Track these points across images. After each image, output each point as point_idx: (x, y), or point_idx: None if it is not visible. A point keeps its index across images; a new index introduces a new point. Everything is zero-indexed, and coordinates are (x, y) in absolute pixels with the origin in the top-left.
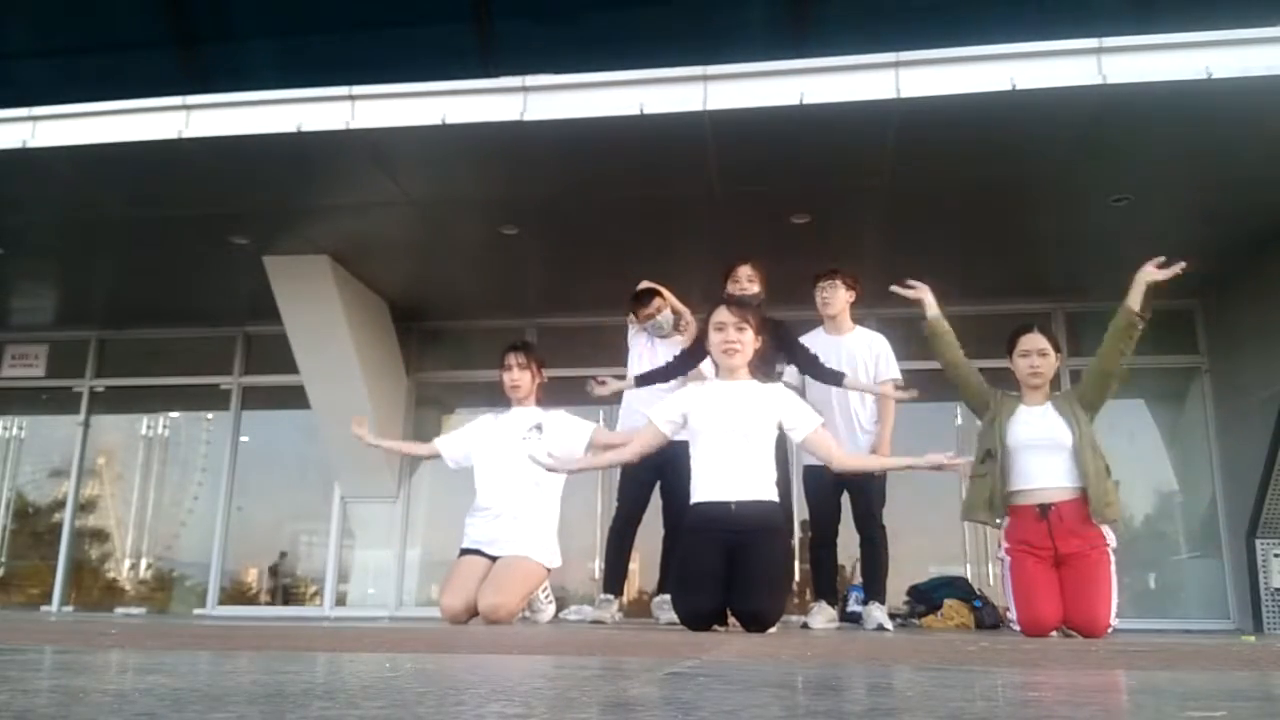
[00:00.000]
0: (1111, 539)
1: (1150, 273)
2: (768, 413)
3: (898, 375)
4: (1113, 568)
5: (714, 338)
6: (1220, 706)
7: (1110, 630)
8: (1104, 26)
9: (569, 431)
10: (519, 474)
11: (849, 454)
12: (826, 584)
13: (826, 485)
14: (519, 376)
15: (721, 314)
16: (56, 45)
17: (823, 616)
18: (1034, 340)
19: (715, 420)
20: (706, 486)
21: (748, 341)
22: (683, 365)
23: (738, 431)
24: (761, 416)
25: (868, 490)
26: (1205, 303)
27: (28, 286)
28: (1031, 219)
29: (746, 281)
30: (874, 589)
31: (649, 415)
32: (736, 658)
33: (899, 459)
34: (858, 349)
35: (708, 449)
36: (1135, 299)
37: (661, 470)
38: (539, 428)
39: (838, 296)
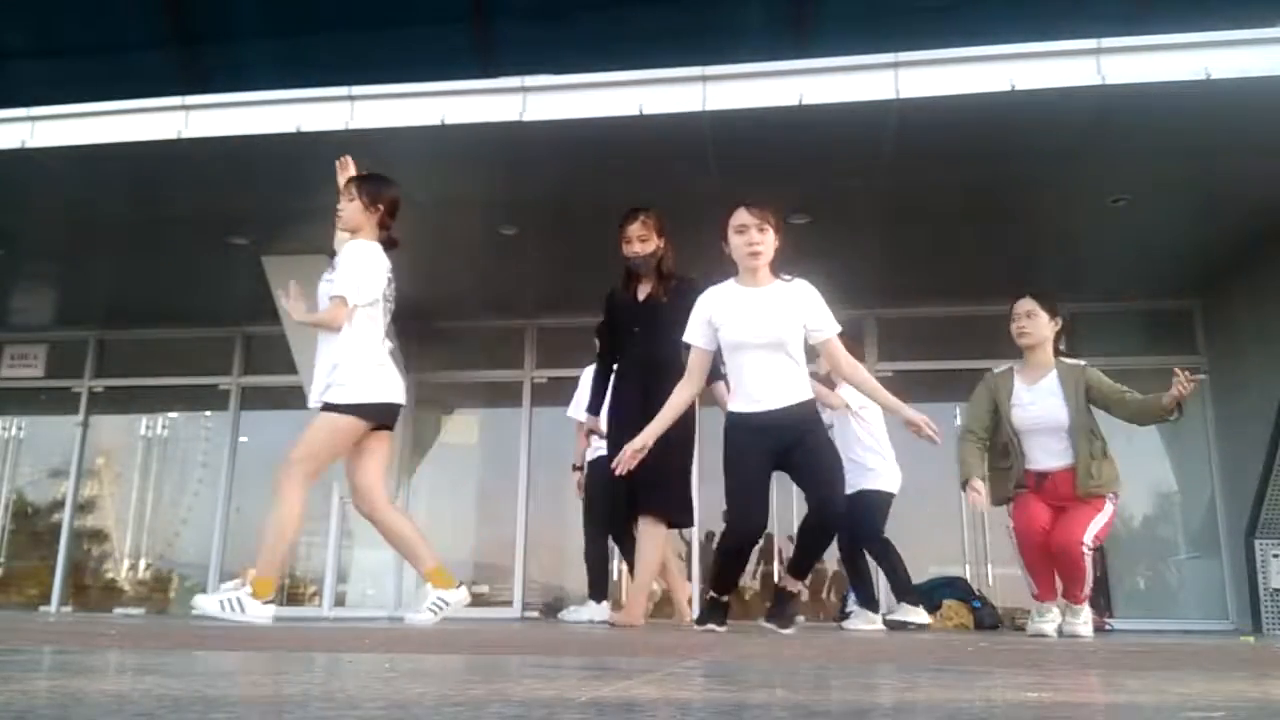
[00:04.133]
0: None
1: (1175, 391)
2: (795, 314)
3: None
4: (1108, 506)
5: (735, 241)
6: (1219, 708)
7: (1085, 551)
8: (1104, 27)
9: (339, 269)
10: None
11: (860, 374)
12: (867, 591)
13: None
14: (343, 206)
15: (741, 215)
16: (56, 45)
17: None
18: (1022, 304)
19: (745, 330)
20: (745, 398)
21: (770, 242)
22: (601, 382)
23: (770, 339)
24: (790, 319)
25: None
26: (1204, 303)
27: (27, 286)
28: (1031, 219)
29: (639, 242)
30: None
31: (689, 341)
32: (736, 658)
33: (897, 402)
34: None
35: (741, 359)
36: (1171, 401)
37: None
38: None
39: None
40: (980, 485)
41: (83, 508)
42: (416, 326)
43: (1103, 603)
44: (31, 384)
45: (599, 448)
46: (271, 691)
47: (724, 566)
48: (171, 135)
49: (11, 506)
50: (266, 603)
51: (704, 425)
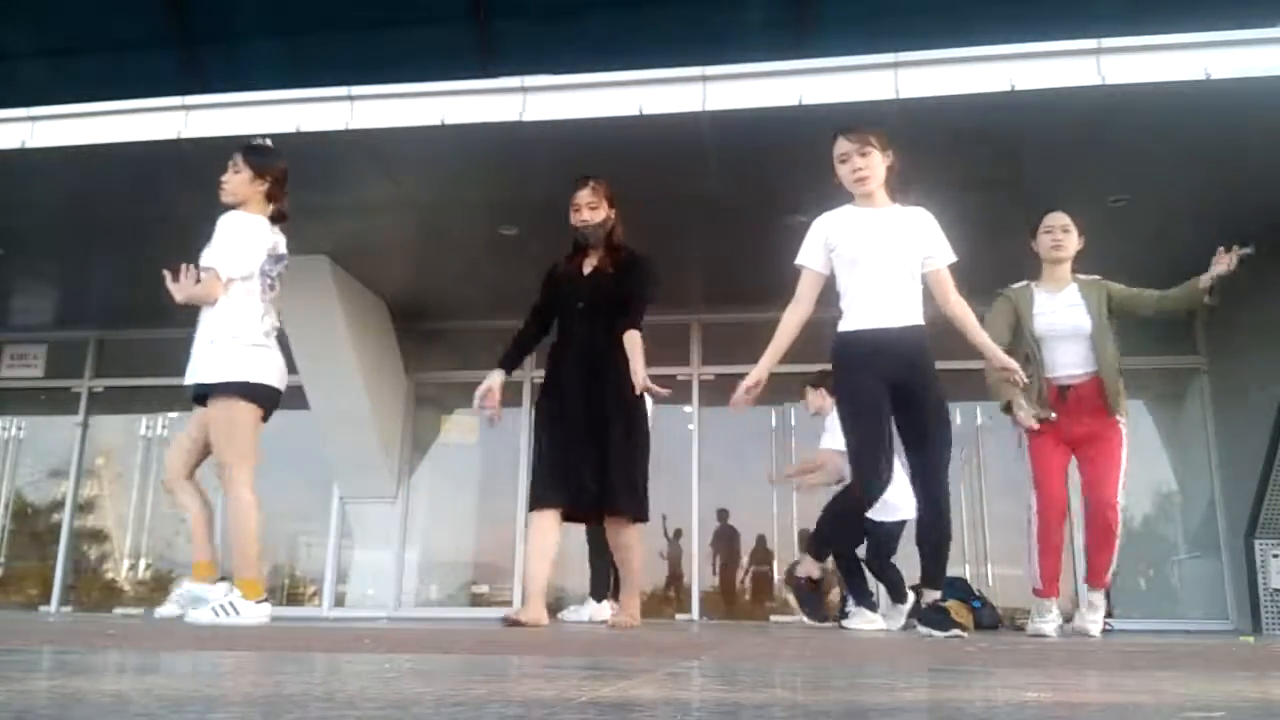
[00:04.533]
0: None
1: (1217, 269)
2: (914, 235)
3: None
4: (1124, 445)
5: (841, 171)
6: (1219, 708)
7: (1119, 506)
8: (1104, 27)
9: (213, 241)
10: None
11: (964, 310)
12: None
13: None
14: (228, 178)
15: (840, 145)
16: (56, 45)
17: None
18: (1057, 217)
19: (863, 245)
20: (861, 314)
21: (876, 163)
22: (523, 344)
23: (888, 254)
24: (909, 239)
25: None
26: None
27: (27, 286)
28: (1031, 219)
29: (588, 210)
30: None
31: (802, 264)
32: (736, 658)
33: (994, 348)
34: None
35: (857, 276)
36: (1207, 282)
37: None
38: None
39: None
40: (1024, 403)
41: (83, 508)
42: (416, 326)
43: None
44: (31, 384)
45: None
46: (271, 691)
47: (838, 533)
48: (171, 135)
49: (11, 506)
50: (259, 602)
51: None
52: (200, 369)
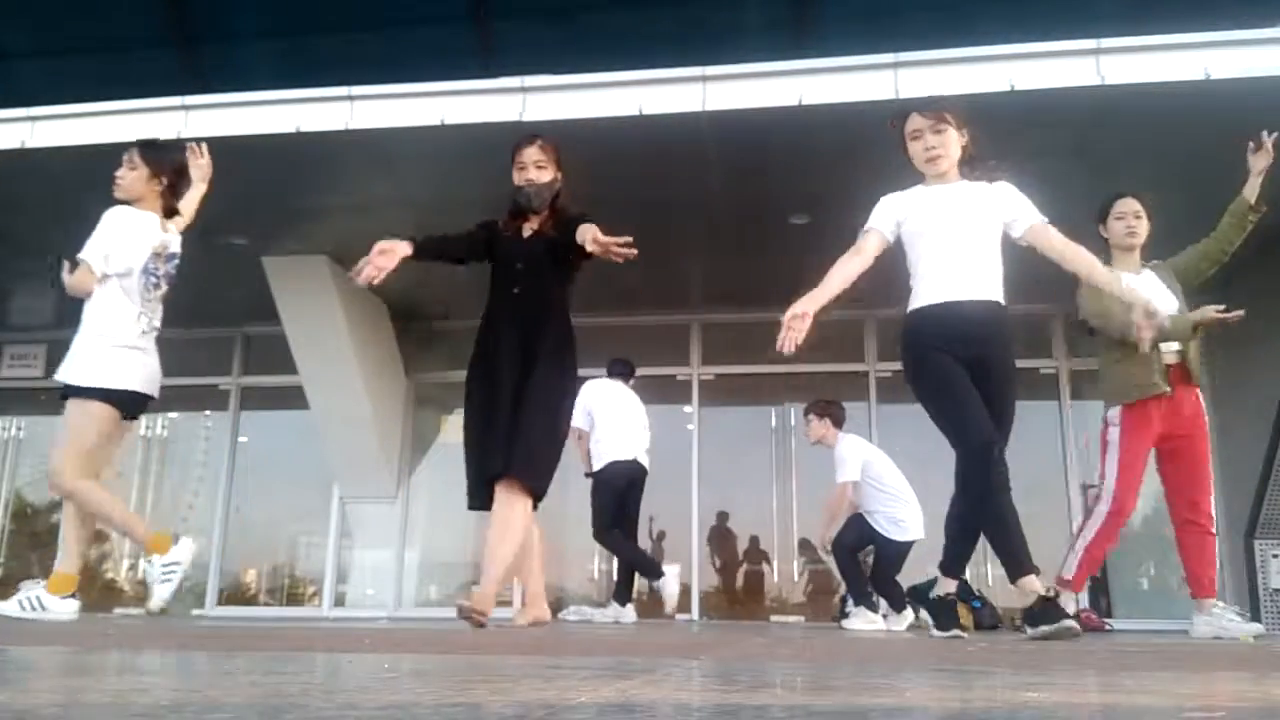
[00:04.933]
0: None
1: (1258, 164)
2: (992, 206)
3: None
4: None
5: (913, 149)
6: (1219, 708)
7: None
8: (1104, 27)
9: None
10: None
11: (1078, 253)
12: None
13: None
14: (123, 174)
15: (913, 121)
16: (56, 45)
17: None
18: (1129, 203)
19: (934, 216)
20: (929, 289)
21: (950, 141)
22: (465, 243)
23: (962, 224)
24: (986, 210)
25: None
26: (1204, 303)
27: (27, 286)
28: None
29: (535, 169)
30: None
31: (869, 227)
32: (736, 658)
33: (1129, 289)
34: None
35: (928, 248)
36: (1251, 191)
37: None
38: None
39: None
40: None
41: None
42: (416, 326)
43: (1104, 603)
44: (31, 384)
45: (604, 455)
46: (271, 691)
47: (970, 507)
48: (171, 135)
49: (11, 506)
50: (66, 598)
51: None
52: (64, 365)
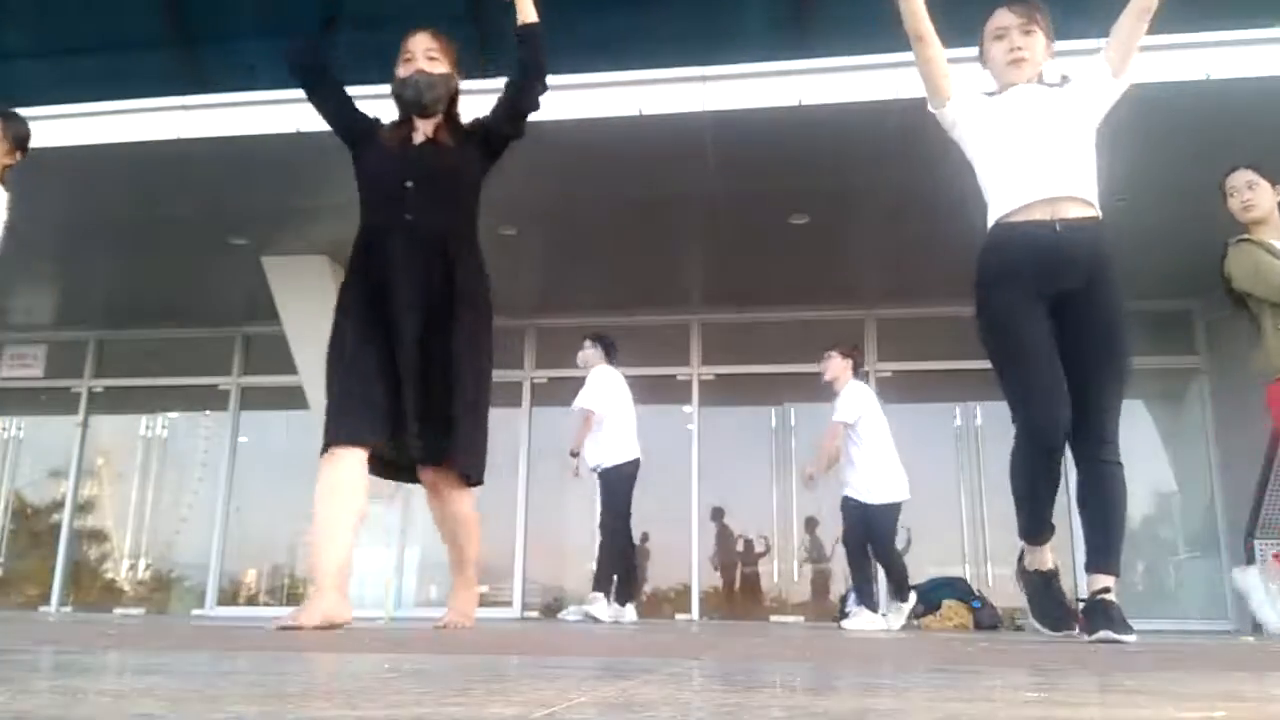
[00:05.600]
0: None
1: None
2: (1077, 97)
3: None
4: None
5: (994, 51)
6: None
7: None
8: (1104, 27)
9: None
10: None
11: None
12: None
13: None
14: None
15: (1000, 18)
16: (56, 45)
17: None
18: (1238, 175)
19: (1013, 119)
20: (1008, 198)
21: (1039, 48)
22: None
23: (1044, 126)
24: (1072, 106)
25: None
26: (1204, 303)
27: (27, 286)
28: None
29: (425, 58)
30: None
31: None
32: (736, 658)
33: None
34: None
35: (1003, 151)
36: None
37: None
38: None
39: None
40: None
41: (82, 508)
42: None
43: None
44: (31, 384)
45: (609, 453)
46: (271, 691)
47: (1029, 492)
48: (171, 135)
49: (11, 506)
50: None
51: None
52: None
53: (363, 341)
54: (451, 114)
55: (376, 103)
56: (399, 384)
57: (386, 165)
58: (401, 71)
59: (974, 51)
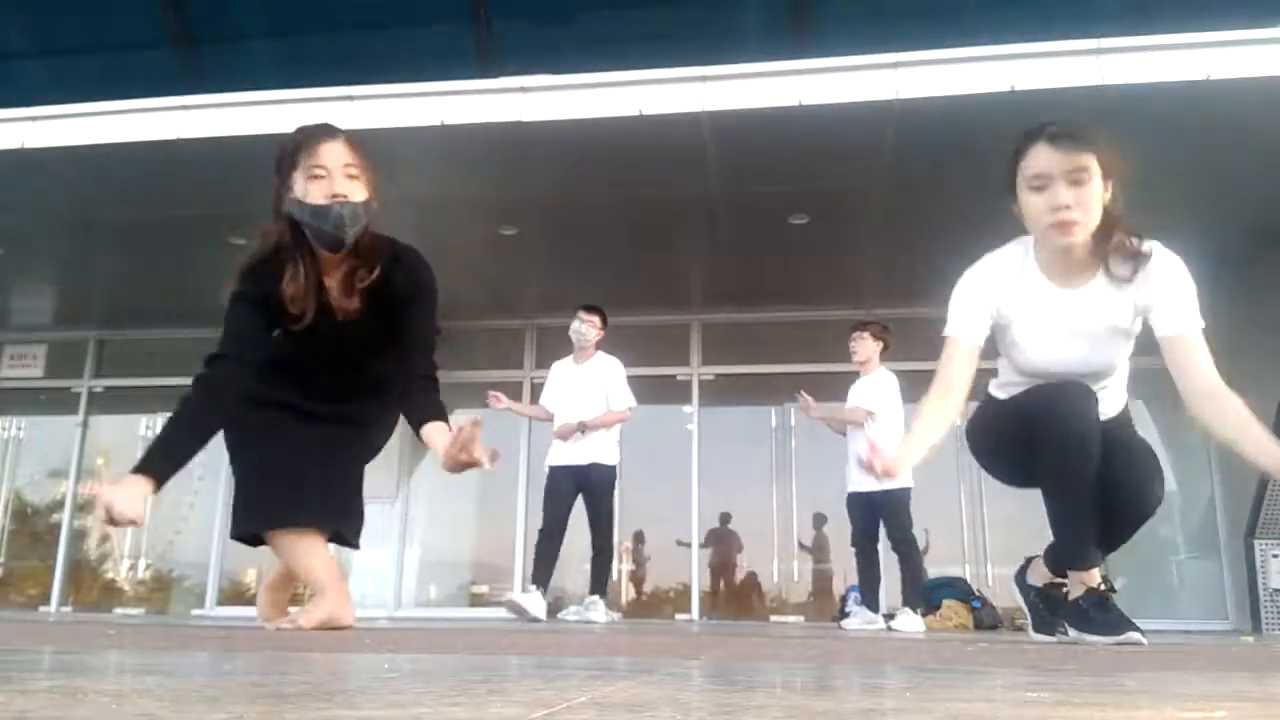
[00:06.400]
0: None
1: None
2: (1129, 316)
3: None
4: None
5: (1032, 202)
6: (1219, 708)
7: None
8: (1103, 27)
9: None
10: None
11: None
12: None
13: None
14: None
15: (1041, 157)
16: (56, 45)
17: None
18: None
19: (1049, 348)
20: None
21: (1092, 199)
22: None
23: (1089, 366)
24: (1121, 331)
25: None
26: (1203, 303)
27: (27, 286)
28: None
29: (343, 176)
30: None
31: (953, 333)
32: (736, 658)
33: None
34: None
35: (1034, 369)
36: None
37: (581, 489)
38: None
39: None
40: None
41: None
42: None
43: None
44: (31, 384)
45: (615, 452)
46: (271, 691)
47: (1061, 489)
48: (171, 135)
49: (11, 506)
50: None
51: None
52: None
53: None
54: (362, 247)
55: (375, 102)
56: None
57: (297, 329)
58: (313, 194)
59: (964, 52)
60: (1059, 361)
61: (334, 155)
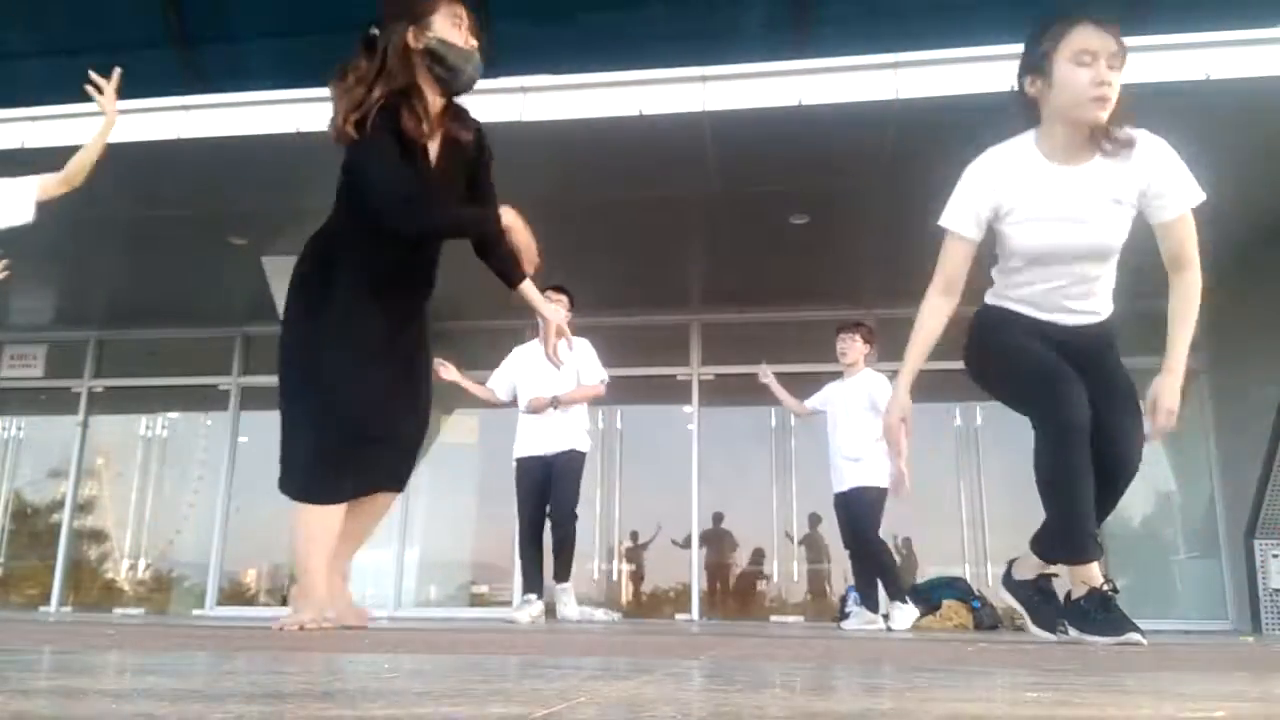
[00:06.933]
0: None
1: None
2: (1129, 198)
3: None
4: None
5: (1073, 76)
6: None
7: None
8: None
9: None
10: None
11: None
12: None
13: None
14: None
15: (1087, 36)
16: (56, 45)
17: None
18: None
19: (1054, 220)
20: (1022, 303)
21: (1118, 89)
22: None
23: (1087, 246)
24: (1121, 211)
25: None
26: (1204, 303)
27: (27, 286)
28: None
29: (470, 33)
30: (890, 592)
31: (951, 225)
32: (736, 658)
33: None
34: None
35: (1035, 272)
36: None
37: (550, 480)
38: None
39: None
40: None
41: (82, 508)
42: None
43: None
44: (31, 384)
45: (586, 438)
46: (271, 691)
47: (1061, 492)
48: (172, 135)
49: (11, 506)
50: None
51: None
52: None
53: (380, 378)
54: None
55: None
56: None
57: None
58: (456, 38)
59: (964, 52)
60: (1064, 241)
61: (463, 9)
